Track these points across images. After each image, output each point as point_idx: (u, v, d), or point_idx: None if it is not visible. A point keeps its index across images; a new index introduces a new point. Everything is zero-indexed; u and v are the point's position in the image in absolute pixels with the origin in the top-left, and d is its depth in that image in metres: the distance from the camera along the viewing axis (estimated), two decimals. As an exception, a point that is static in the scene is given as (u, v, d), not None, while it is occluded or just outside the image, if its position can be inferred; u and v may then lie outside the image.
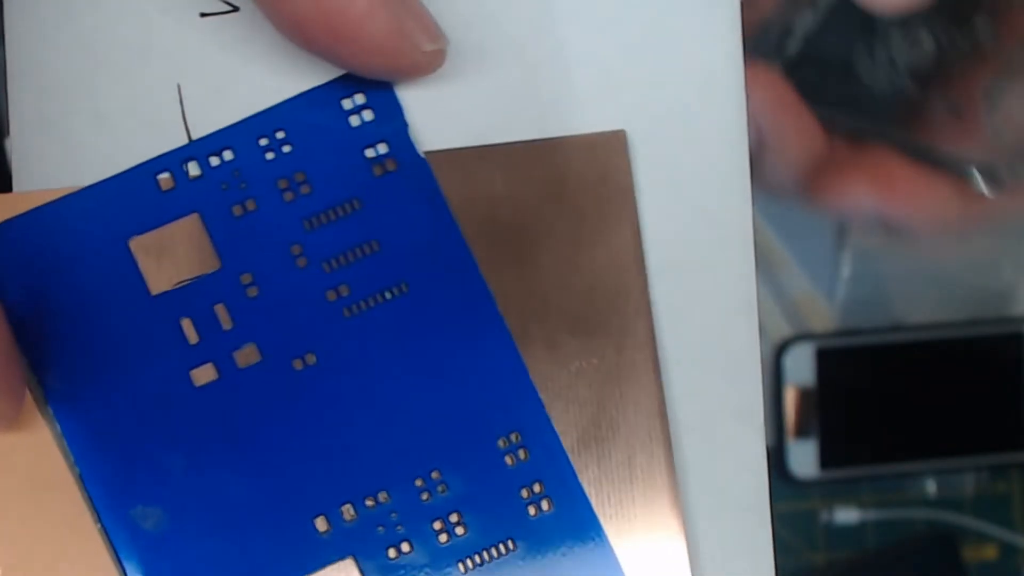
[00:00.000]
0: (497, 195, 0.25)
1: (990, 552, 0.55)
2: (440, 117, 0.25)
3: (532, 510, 0.24)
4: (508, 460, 0.24)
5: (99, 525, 0.23)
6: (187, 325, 0.23)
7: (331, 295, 0.24)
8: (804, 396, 0.53)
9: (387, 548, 0.23)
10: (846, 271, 0.56)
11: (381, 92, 0.24)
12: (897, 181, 0.28)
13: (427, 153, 0.25)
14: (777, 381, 0.53)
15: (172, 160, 0.24)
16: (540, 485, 0.24)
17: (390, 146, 0.24)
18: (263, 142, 0.24)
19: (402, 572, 0.23)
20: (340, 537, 0.23)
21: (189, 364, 0.23)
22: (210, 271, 0.24)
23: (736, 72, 0.25)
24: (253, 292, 0.24)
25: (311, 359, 0.24)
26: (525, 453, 0.24)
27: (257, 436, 0.23)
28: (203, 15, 0.25)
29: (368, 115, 0.24)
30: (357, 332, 0.24)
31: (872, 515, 0.54)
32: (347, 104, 0.24)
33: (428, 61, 0.24)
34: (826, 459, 0.52)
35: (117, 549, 0.23)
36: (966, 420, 0.55)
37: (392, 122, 0.24)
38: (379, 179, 0.24)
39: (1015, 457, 0.56)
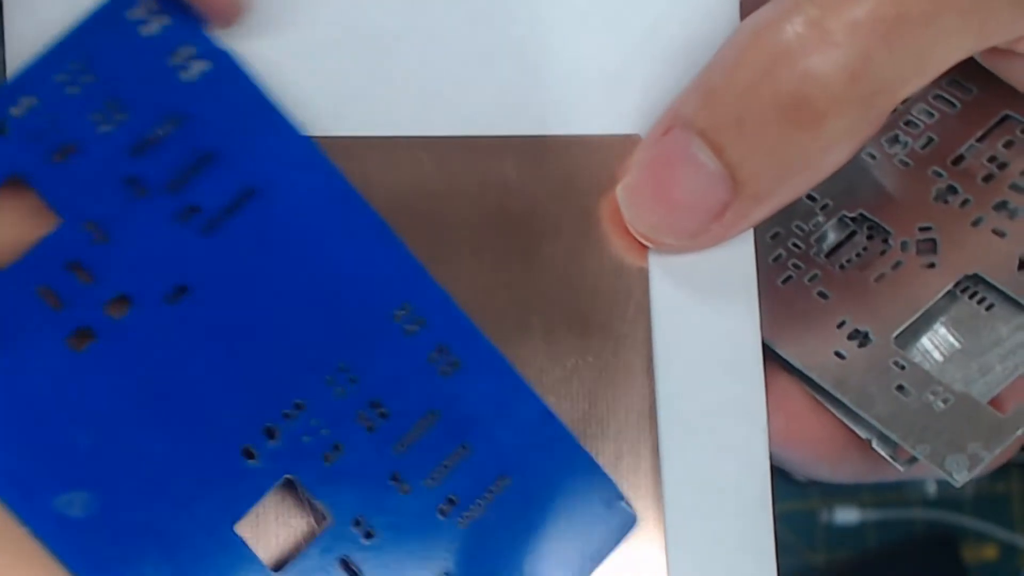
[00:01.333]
0: (508, 185, 0.25)
1: (990, 552, 0.56)
2: (449, 104, 0.25)
3: (444, 372, 0.23)
4: (407, 331, 0.23)
5: (27, 527, 0.21)
6: (46, 293, 0.22)
7: (183, 218, 0.22)
8: (804, 396, 0.53)
9: (320, 456, 0.22)
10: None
11: None
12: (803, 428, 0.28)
13: (437, 138, 0.25)
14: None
15: None
16: (445, 347, 0.23)
17: (195, 47, 0.23)
18: (61, 78, 0.22)
19: (341, 474, 0.22)
20: (271, 461, 0.22)
21: (61, 333, 0.22)
22: (51, 230, 0.22)
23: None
24: (102, 238, 0.22)
25: (184, 290, 0.22)
26: (421, 320, 0.23)
27: (156, 385, 0.22)
28: (202, 16, 0.25)
29: (162, 21, 0.22)
30: (220, 249, 0.22)
31: (872, 515, 0.54)
32: (135, 14, 0.22)
33: (227, 3, 0.23)
34: (826, 459, 0.52)
35: (53, 548, 0.21)
36: (966, 420, 0.55)
37: (188, 23, 0.23)
38: (194, 84, 0.22)
39: (1015, 457, 0.56)
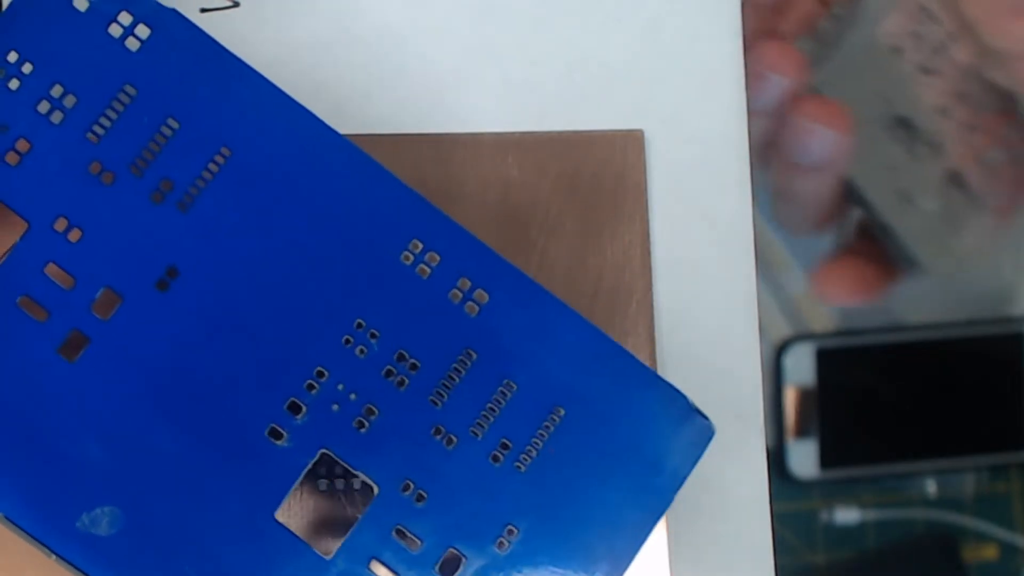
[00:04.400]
0: (512, 181, 0.25)
1: (990, 552, 0.55)
2: (451, 101, 0.25)
3: (470, 309, 0.21)
4: (420, 272, 0.21)
5: (54, 556, 0.20)
6: (28, 305, 0.20)
7: (156, 197, 0.21)
8: (804, 396, 0.53)
9: (352, 423, 0.21)
10: (846, 271, 0.56)
11: None
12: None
13: (439, 135, 0.25)
14: (777, 381, 0.53)
15: None
16: (466, 280, 0.21)
17: (133, 12, 0.21)
18: None
19: (379, 438, 0.21)
20: (301, 438, 0.21)
21: (52, 344, 0.20)
22: (21, 235, 0.21)
23: (737, 73, 0.26)
24: (76, 235, 0.21)
25: (173, 273, 0.21)
26: (433, 256, 0.21)
27: (162, 380, 0.21)
28: (204, 10, 0.25)
29: None
30: (203, 221, 0.21)
31: (872, 515, 0.54)
32: None
33: None
34: (826, 459, 0.53)
35: (86, 571, 0.20)
36: (966, 420, 0.55)
37: None
38: (140, 52, 0.21)
39: (1015, 457, 0.56)
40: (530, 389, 0.21)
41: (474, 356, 0.21)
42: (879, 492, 0.55)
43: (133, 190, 0.21)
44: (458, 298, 0.21)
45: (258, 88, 0.21)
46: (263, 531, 0.21)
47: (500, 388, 0.21)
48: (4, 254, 0.21)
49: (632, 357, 0.21)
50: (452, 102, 0.25)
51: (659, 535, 0.24)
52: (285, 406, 0.21)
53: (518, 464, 0.21)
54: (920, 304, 0.55)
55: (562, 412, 0.21)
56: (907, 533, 0.55)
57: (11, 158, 0.21)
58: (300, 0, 0.25)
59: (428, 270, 0.21)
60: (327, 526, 0.23)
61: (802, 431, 0.53)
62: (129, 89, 0.21)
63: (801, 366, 0.53)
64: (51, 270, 0.21)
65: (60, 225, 0.21)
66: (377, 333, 0.21)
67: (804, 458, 0.53)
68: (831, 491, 0.54)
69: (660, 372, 0.25)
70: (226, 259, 0.21)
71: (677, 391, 0.21)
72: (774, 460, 0.52)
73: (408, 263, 0.21)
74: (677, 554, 0.24)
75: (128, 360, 0.21)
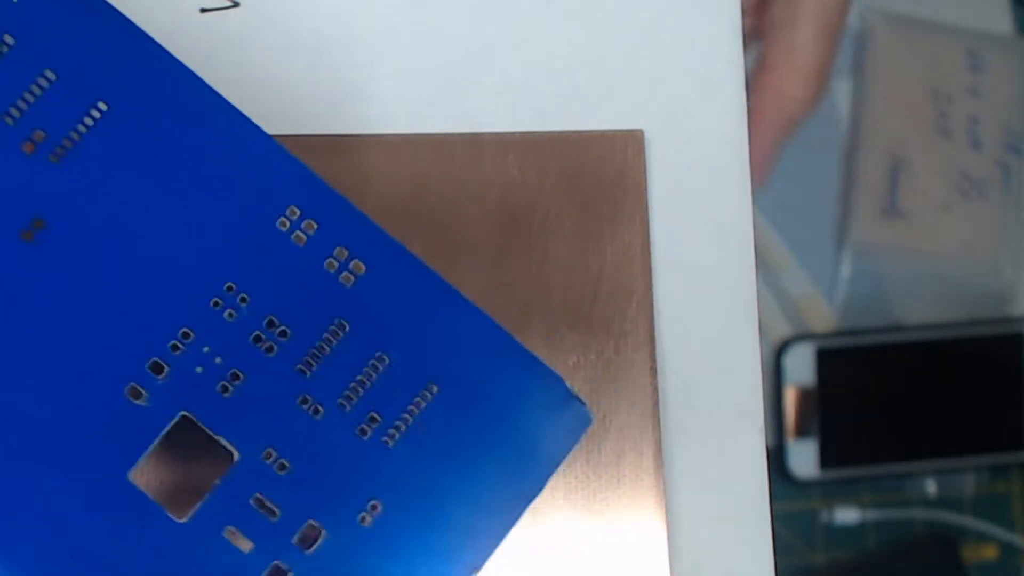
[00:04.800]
0: (512, 181, 0.25)
1: (990, 552, 0.55)
2: (451, 101, 0.25)
3: (346, 279, 0.21)
4: (296, 239, 0.21)
5: None
6: None
7: (28, 147, 0.20)
8: (804, 396, 0.53)
9: (215, 387, 0.20)
10: (846, 271, 0.56)
11: None
12: None
13: (439, 135, 0.25)
14: (777, 381, 0.53)
15: None
16: (343, 250, 0.21)
17: None
18: None
19: (242, 404, 0.20)
20: (161, 399, 0.20)
21: None
22: None
23: (737, 73, 0.26)
24: None
25: (40, 224, 0.20)
26: (311, 224, 0.21)
27: (20, 332, 0.20)
28: (203, 10, 0.25)
29: None
30: (76, 175, 0.20)
31: (872, 515, 0.54)
32: None
33: None
34: (826, 459, 0.52)
35: None
36: (966, 420, 0.55)
37: None
38: (19, 2, 0.20)
39: (1015, 457, 0.56)
40: (403, 364, 0.21)
41: (347, 327, 0.21)
42: (879, 492, 0.55)
43: (4, 138, 0.20)
44: (334, 267, 0.21)
45: (140, 44, 0.21)
46: (116, 491, 0.20)
47: (372, 361, 0.20)
48: None
49: (512, 339, 0.21)
50: (451, 102, 0.25)
51: (659, 535, 0.24)
52: (147, 365, 0.20)
53: (386, 439, 0.20)
54: (920, 304, 0.55)
55: (435, 389, 0.21)
56: (907, 533, 0.55)
57: None
58: (300, 0, 0.25)
59: (304, 237, 0.21)
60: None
61: (802, 431, 0.53)
62: (7, 38, 0.20)
63: (801, 366, 0.53)
64: None
65: None
66: (247, 298, 0.20)
67: (804, 458, 0.53)
68: (831, 491, 0.54)
69: (660, 372, 0.25)
70: (95, 213, 0.20)
71: (556, 376, 0.21)
72: (774, 460, 0.52)
73: (284, 229, 0.21)
74: (677, 554, 0.24)
75: None
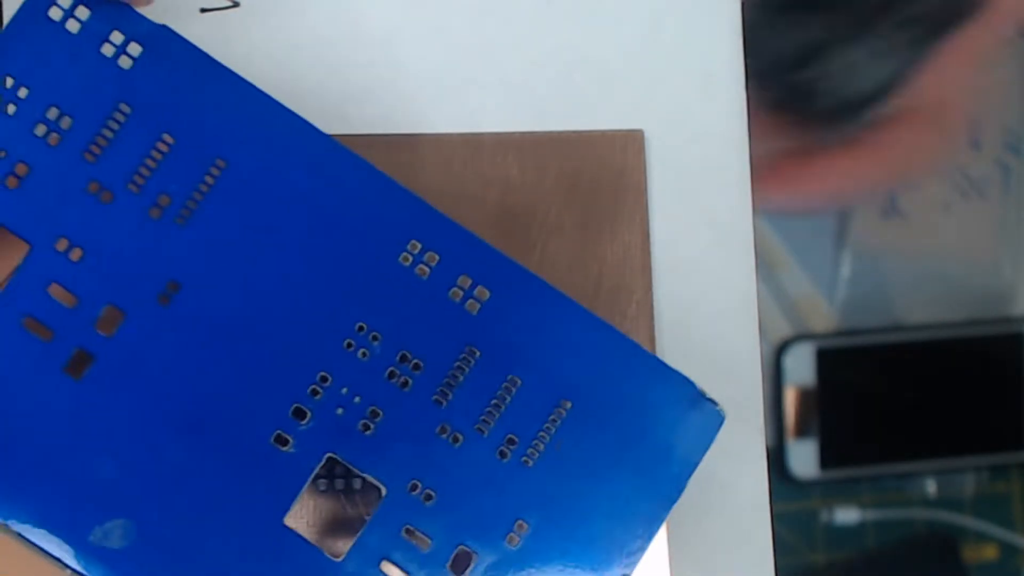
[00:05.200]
0: (512, 181, 0.25)
1: (990, 552, 0.55)
2: (451, 101, 0.25)
3: (471, 306, 0.21)
4: (420, 272, 0.21)
5: (68, 571, 0.21)
6: (33, 325, 0.21)
7: (155, 212, 0.21)
8: (804, 396, 0.53)
9: (357, 426, 0.21)
10: (846, 271, 0.56)
11: None
12: None
13: (439, 135, 0.25)
14: (777, 381, 0.52)
15: None
16: (466, 278, 0.21)
17: (125, 30, 0.21)
18: None
19: (384, 440, 0.21)
20: (306, 443, 0.21)
21: (58, 363, 0.21)
22: (22, 257, 0.21)
23: (737, 73, 0.25)
24: (77, 254, 0.21)
25: (175, 287, 0.21)
26: (432, 256, 0.21)
27: (168, 393, 0.21)
28: (203, 10, 0.25)
29: (83, 13, 0.21)
30: (202, 233, 0.21)
31: (872, 515, 0.54)
32: (55, 14, 0.21)
33: None
34: (826, 459, 0.52)
35: None
36: (966, 420, 0.55)
37: (111, 7, 0.21)
38: (133, 70, 0.21)
39: (1015, 457, 0.55)
40: (535, 384, 0.21)
41: (477, 354, 0.21)
42: (879, 492, 0.55)
43: (131, 207, 0.21)
44: (459, 296, 0.21)
45: (251, 98, 0.21)
46: (273, 537, 0.21)
47: (504, 384, 0.21)
48: (7, 277, 0.21)
49: (637, 346, 0.21)
50: (452, 102, 0.25)
51: (659, 535, 0.24)
52: (290, 412, 0.21)
53: (525, 459, 0.21)
54: (920, 304, 0.55)
55: (568, 405, 0.21)
56: (907, 533, 0.55)
57: (11, 182, 0.21)
58: (300, 0, 0.25)
59: (427, 270, 0.21)
60: (336, 529, 0.23)
61: (802, 431, 0.53)
62: (124, 107, 0.21)
63: (801, 366, 0.53)
64: (54, 290, 0.21)
65: (61, 245, 0.21)
66: (379, 335, 0.21)
67: (804, 458, 0.53)
68: (831, 491, 0.54)
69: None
70: (226, 270, 0.21)
71: (684, 378, 0.21)
72: (774, 460, 0.52)
73: (407, 264, 0.21)
74: (677, 554, 0.24)
75: (133, 375, 0.21)
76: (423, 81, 0.25)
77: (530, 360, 0.21)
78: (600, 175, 0.25)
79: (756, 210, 0.25)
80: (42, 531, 0.21)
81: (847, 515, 0.55)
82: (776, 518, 0.25)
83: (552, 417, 0.21)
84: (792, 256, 0.55)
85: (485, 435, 0.21)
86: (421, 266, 0.21)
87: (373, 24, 0.25)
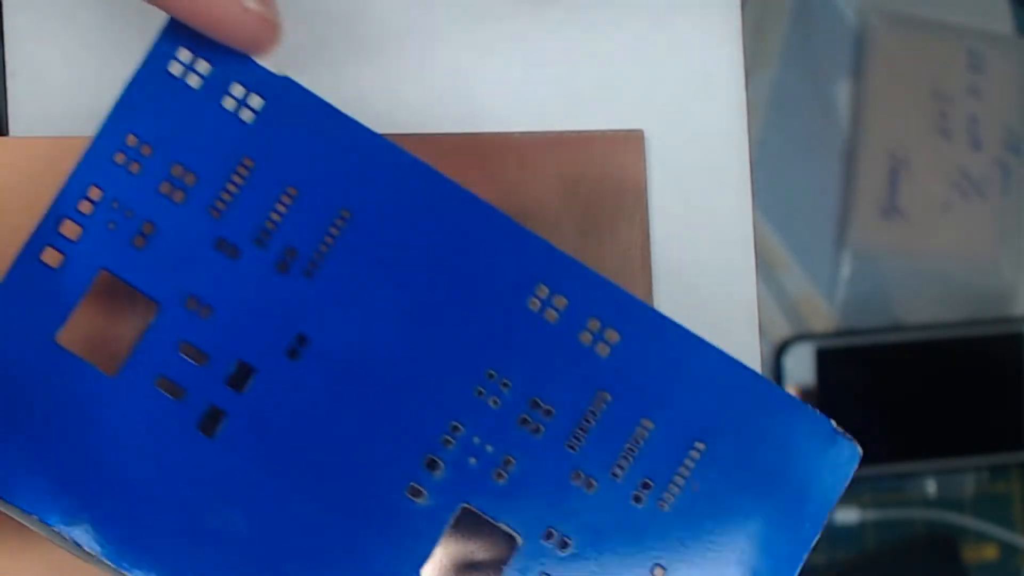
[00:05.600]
0: (509, 181, 0.25)
1: (990, 552, 0.56)
2: (450, 102, 0.25)
3: (602, 350, 0.21)
4: (548, 317, 0.21)
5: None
6: (165, 385, 0.21)
7: (282, 267, 0.21)
8: (804, 396, 0.53)
9: (491, 475, 0.21)
10: (846, 271, 0.56)
11: (204, 39, 0.21)
12: None
13: (441, 135, 0.25)
14: (777, 381, 0.53)
15: (44, 234, 0.21)
16: (595, 321, 0.21)
17: (245, 83, 0.21)
18: (120, 159, 0.21)
19: (518, 488, 0.21)
20: (441, 494, 0.21)
21: (192, 421, 0.21)
22: (152, 317, 0.21)
23: (737, 73, 0.26)
24: (206, 312, 0.21)
25: (303, 341, 0.21)
26: (561, 300, 0.21)
27: (301, 448, 0.21)
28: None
29: (204, 67, 0.21)
30: (330, 286, 0.21)
31: (872, 515, 0.54)
32: (176, 70, 0.21)
33: (254, 24, 0.21)
34: (826, 459, 0.53)
35: None
36: (966, 420, 0.55)
37: (232, 59, 0.21)
38: (255, 123, 0.21)
39: (1015, 457, 0.56)
40: (668, 426, 0.21)
41: (608, 398, 0.21)
42: (879, 492, 0.55)
43: (259, 262, 0.21)
44: (588, 340, 0.21)
45: (371, 145, 0.21)
46: None
47: (637, 428, 0.21)
48: (138, 337, 0.21)
49: (770, 383, 0.21)
50: (452, 102, 0.25)
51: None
52: (423, 463, 0.21)
53: (661, 503, 0.21)
54: (920, 304, 0.55)
55: (702, 447, 0.21)
56: (907, 533, 0.55)
57: (138, 242, 0.21)
58: (301, 1, 0.25)
59: (556, 314, 0.21)
60: None
61: (802, 431, 0.53)
62: (247, 161, 0.21)
63: (801, 366, 0.53)
64: (185, 348, 0.21)
65: (190, 304, 0.21)
66: (509, 382, 0.21)
67: (804, 458, 0.53)
68: (831, 491, 0.54)
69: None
70: (354, 321, 0.21)
71: (819, 414, 0.21)
72: (774, 460, 0.51)
73: (536, 309, 0.21)
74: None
75: (265, 431, 0.21)
76: (424, 81, 0.25)
77: (662, 402, 0.21)
78: (600, 175, 0.25)
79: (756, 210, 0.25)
80: None
81: (847, 515, 0.55)
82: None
83: (686, 460, 0.21)
84: (792, 256, 0.55)
85: (619, 480, 0.21)
86: (550, 310, 0.21)
87: (373, 24, 0.25)
